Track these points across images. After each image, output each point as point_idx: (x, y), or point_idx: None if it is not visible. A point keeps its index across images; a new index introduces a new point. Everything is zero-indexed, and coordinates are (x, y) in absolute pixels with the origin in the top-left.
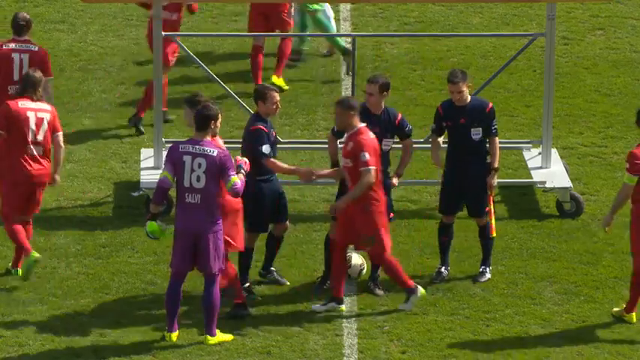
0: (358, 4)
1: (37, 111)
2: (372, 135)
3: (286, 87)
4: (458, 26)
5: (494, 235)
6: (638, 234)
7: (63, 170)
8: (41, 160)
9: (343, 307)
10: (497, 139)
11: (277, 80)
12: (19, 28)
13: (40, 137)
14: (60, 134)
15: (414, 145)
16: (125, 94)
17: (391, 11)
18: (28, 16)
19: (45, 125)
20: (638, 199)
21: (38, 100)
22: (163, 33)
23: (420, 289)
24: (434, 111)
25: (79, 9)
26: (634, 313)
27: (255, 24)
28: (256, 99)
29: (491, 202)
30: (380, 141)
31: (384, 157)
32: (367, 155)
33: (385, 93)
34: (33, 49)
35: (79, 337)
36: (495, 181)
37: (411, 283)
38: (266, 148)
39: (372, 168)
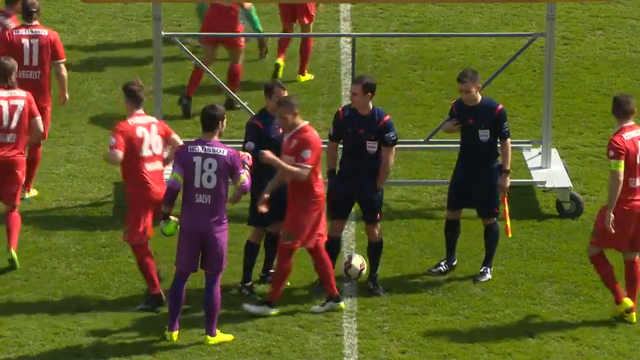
0: (358, 4)
1: (9, 99)
2: (316, 133)
3: (311, 77)
4: (458, 26)
5: (510, 235)
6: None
7: (63, 170)
8: (10, 146)
9: (342, 304)
10: (508, 141)
11: (304, 78)
12: (29, 14)
13: (13, 125)
14: (38, 119)
15: (414, 145)
16: None
17: (391, 11)
18: (37, 2)
19: (19, 112)
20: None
21: (10, 87)
22: (163, 33)
23: (274, 311)
24: (434, 111)
25: (79, 9)
26: (634, 313)
27: (284, 18)
28: (265, 94)
29: (505, 204)
30: (364, 142)
31: (371, 159)
32: (309, 153)
33: (370, 93)
34: (42, 33)
35: (79, 337)
36: (507, 183)
37: (276, 297)
38: (249, 145)
39: (309, 168)
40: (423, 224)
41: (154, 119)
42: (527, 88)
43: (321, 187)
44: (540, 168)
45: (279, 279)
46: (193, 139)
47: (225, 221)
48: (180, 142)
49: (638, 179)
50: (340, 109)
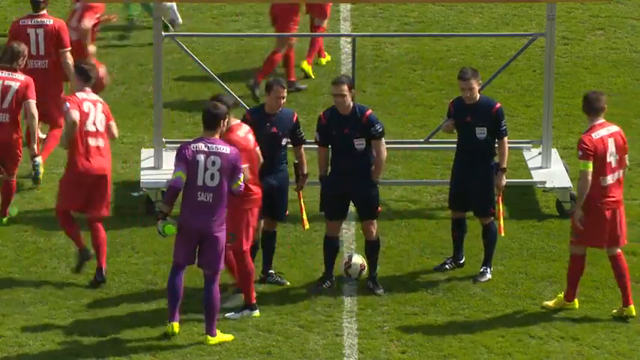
0: (358, 4)
1: (5, 80)
2: (240, 132)
3: (313, 75)
4: (458, 26)
5: (503, 234)
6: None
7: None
8: (3, 126)
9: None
10: (505, 140)
11: (306, 66)
12: (36, 4)
13: (5, 105)
14: (30, 102)
15: (414, 145)
16: (125, 94)
17: (391, 11)
18: None
19: (11, 93)
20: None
21: (13, 70)
22: (163, 33)
23: (257, 313)
24: (434, 111)
25: None
26: (632, 306)
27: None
28: (265, 90)
29: (500, 203)
30: (351, 142)
31: (361, 156)
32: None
33: (353, 90)
34: (47, 23)
35: (79, 337)
36: (504, 181)
37: (252, 300)
38: None
39: (245, 166)
40: (423, 224)
41: (100, 99)
42: (527, 88)
43: (254, 185)
44: (540, 168)
45: (246, 282)
46: (194, 138)
47: (224, 221)
48: (115, 132)
49: (609, 177)
50: (321, 113)
